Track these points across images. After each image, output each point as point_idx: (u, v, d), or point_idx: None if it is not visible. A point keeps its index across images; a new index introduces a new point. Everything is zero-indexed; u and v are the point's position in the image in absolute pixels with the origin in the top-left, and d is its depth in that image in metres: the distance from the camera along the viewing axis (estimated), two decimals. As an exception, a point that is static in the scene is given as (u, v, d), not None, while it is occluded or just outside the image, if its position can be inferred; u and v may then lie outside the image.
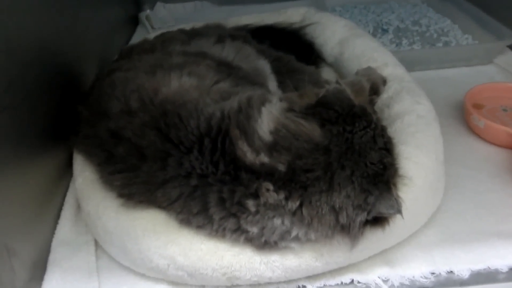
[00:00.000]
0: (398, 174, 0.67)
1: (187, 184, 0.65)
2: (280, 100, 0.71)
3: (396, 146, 0.71)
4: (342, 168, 0.61)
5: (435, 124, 0.82)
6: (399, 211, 0.62)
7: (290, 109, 0.67)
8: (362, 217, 0.61)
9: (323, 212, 0.60)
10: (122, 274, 0.72)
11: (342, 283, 0.69)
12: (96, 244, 0.77)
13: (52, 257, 0.74)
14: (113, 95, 0.76)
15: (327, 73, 1.11)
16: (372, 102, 0.91)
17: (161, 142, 0.67)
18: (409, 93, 0.88)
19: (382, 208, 0.62)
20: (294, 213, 0.61)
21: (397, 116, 0.83)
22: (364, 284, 0.69)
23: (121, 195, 0.70)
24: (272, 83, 0.93)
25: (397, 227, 0.66)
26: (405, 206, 0.64)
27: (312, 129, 0.63)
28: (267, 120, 0.65)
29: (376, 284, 0.69)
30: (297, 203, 0.61)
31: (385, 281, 0.69)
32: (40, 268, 0.72)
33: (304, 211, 0.61)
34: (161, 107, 0.70)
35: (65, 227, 0.79)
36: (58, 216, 0.81)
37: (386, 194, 0.62)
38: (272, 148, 0.62)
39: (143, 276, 0.70)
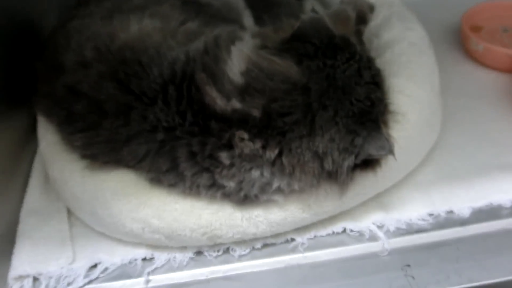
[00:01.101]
0: (388, 110, 0.60)
1: (153, 139, 0.58)
2: (253, 37, 0.63)
3: (387, 79, 0.64)
4: (324, 109, 0.54)
5: (429, 51, 0.74)
6: (391, 152, 0.56)
7: (263, 46, 0.59)
8: (349, 161, 0.55)
9: (306, 159, 0.54)
10: (98, 240, 0.66)
11: (333, 232, 0.64)
12: (69, 210, 0.71)
13: (21, 228, 0.68)
14: (68, 46, 0.68)
15: (309, 5, 1.01)
16: (359, 33, 0.82)
17: (121, 95, 0.60)
18: (400, 19, 0.79)
19: (371, 150, 0.55)
20: (273, 163, 0.55)
21: (387, 45, 0.75)
22: (358, 232, 0.64)
23: (84, 156, 0.63)
24: (248, 19, 0.84)
25: (390, 168, 0.61)
26: (399, 145, 0.58)
27: (287, 67, 0.55)
28: (238, 60, 0.57)
29: (370, 231, 0.63)
30: (276, 151, 0.54)
31: (380, 227, 0.64)
32: (8, 241, 0.66)
33: (284, 160, 0.54)
34: (119, 55, 0.62)
35: (34, 195, 0.73)
36: (26, 184, 0.75)
37: (375, 133, 0.55)
38: (244, 91, 0.55)
39: (120, 241, 0.65)
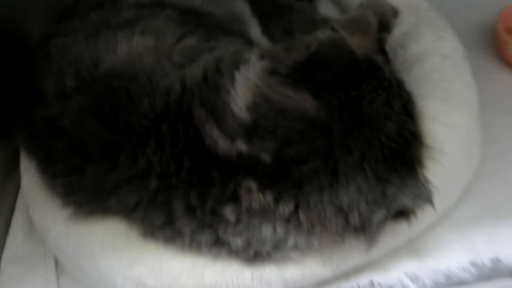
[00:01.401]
0: (423, 144, 0.50)
1: (145, 187, 0.49)
2: (261, 57, 0.54)
3: (417, 103, 0.54)
4: (349, 152, 0.45)
5: (464, 65, 0.64)
6: (429, 201, 0.46)
7: (273, 71, 0.50)
8: (380, 215, 0.45)
9: (327, 215, 0.45)
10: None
11: (359, 285, 0.55)
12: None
13: (1, 280, 0.61)
14: (48, 71, 0.59)
15: (324, 7, 0.91)
16: (381, 42, 0.72)
17: (107, 133, 0.51)
18: (429, 26, 0.69)
19: (406, 200, 0.46)
20: (288, 219, 0.46)
21: (415, 59, 0.65)
22: (387, 285, 0.54)
23: (66, 204, 0.54)
24: (255, 29, 0.74)
25: (424, 210, 0.51)
26: (433, 186, 0.48)
27: (303, 101, 0.46)
28: (243, 90, 0.48)
29: (402, 283, 0.54)
30: (291, 206, 0.45)
31: (414, 279, 0.54)
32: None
33: (302, 215, 0.45)
34: (104, 84, 0.53)
35: (17, 239, 0.65)
36: (8, 224, 0.67)
37: (410, 180, 0.46)
38: (252, 131, 0.46)
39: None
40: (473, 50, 0.84)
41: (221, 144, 0.46)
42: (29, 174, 0.62)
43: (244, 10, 0.74)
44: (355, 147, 0.45)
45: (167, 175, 0.48)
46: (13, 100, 0.65)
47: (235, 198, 0.46)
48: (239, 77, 0.49)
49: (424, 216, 0.53)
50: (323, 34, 0.49)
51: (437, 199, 0.49)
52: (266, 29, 0.76)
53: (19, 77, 0.67)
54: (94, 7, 0.70)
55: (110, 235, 0.53)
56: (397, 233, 0.52)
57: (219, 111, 0.47)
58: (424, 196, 0.46)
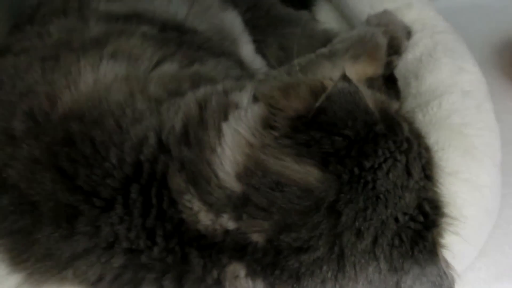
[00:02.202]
0: (447, 219, 0.42)
1: (108, 262, 0.40)
2: (254, 97, 0.45)
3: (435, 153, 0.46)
4: (358, 236, 0.37)
5: (487, 104, 0.56)
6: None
7: (269, 125, 0.41)
8: None
9: None
10: None
11: None
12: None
13: None
14: None
15: (325, 15, 0.81)
16: (391, 66, 0.64)
17: (63, 192, 0.41)
18: (447, 53, 0.60)
19: None
20: None
21: (432, 95, 0.57)
22: None
23: (14, 270, 0.45)
24: (246, 47, 0.65)
25: None
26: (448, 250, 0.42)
27: (306, 174, 0.37)
28: (233, 150, 0.39)
29: None
30: None
31: None
32: None
33: None
34: (61, 129, 0.43)
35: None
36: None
37: (430, 268, 0.38)
38: (242, 205, 0.37)
39: None
40: (487, 67, 0.77)
41: (203, 218, 0.38)
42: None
43: (235, 25, 0.65)
44: (366, 230, 0.37)
45: (136, 250, 0.39)
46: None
47: (218, 285, 0.38)
48: (227, 130, 0.41)
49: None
50: (333, 87, 0.40)
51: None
52: (259, 45, 0.67)
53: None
54: (56, 14, 0.60)
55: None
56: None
57: (201, 177, 0.38)
58: (446, 285, 0.39)
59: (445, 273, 0.39)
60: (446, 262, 0.40)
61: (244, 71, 0.59)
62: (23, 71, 0.50)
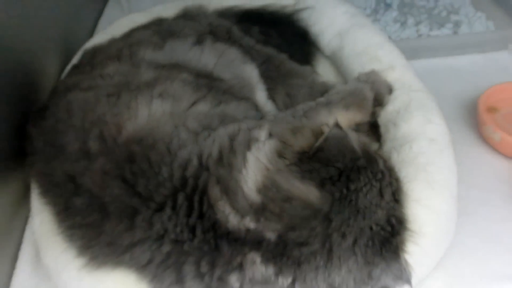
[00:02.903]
0: (408, 230, 0.57)
1: (158, 249, 0.54)
2: (270, 134, 0.60)
3: (405, 184, 0.62)
4: (343, 237, 0.51)
5: (449, 150, 0.71)
6: (408, 282, 0.53)
7: (281, 155, 0.56)
8: None
9: None
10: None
11: None
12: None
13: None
14: (70, 125, 0.63)
15: (323, 68, 0.97)
16: (374, 115, 0.79)
17: (127, 196, 0.56)
18: (419, 107, 0.76)
19: (388, 281, 0.53)
20: None
21: (405, 139, 0.72)
22: None
23: (82, 254, 0.59)
24: (261, 94, 0.80)
25: None
26: (412, 260, 0.56)
27: (308, 192, 0.52)
28: (254, 172, 0.54)
29: None
30: (289, 279, 0.51)
31: None
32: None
33: None
34: (126, 149, 0.58)
35: (23, 273, 0.69)
36: (15, 259, 0.71)
37: (394, 264, 0.53)
38: (260, 212, 0.52)
39: None
40: (455, 121, 0.92)
41: (232, 219, 0.52)
42: (41, 217, 0.67)
43: (252, 75, 0.80)
44: (349, 233, 0.51)
45: (180, 241, 0.53)
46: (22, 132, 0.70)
47: (240, 268, 0.52)
48: (250, 157, 0.55)
49: None
50: (329, 132, 0.55)
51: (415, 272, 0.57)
52: (270, 92, 0.83)
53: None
54: (111, 59, 0.74)
55: (120, 286, 0.58)
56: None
57: (232, 190, 0.53)
58: (404, 278, 0.53)
59: (405, 269, 0.53)
60: (406, 262, 0.54)
61: (258, 113, 0.74)
62: (92, 104, 0.65)
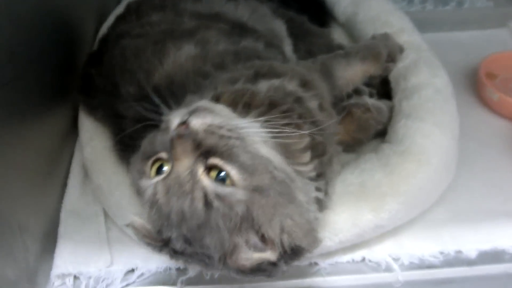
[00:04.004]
0: None
1: None
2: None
3: (414, 122, 0.71)
4: None
5: (452, 100, 0.80)
6: None
7: None
8: None
9: None
10: (134, 246, 0.71)
11: (353, 260, 0.70)
12: (105, 214, 0.76)
13: (62, 229, 0.73)
14: (124, 69, 0.72)
15: (338, 35, 1.06)
16: (387, 70, 0.88)
17: None
18: (427, 64, 0.85)
19: None
20: None
21: (415, 89, 0.80)
22: (375, 262, 0.70)
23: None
24: (288, 47, 0.89)
25: (410, 204, 0.68)
26: (419, 186, 0.66)
27: None
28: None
29: (386, 262, 0.69)
30: None
31: (396, 259, 0.70)
32: (50, 241, 0.71)
33: None
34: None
35: (73, 196, 0.78)
36: (64, 185, 0.79)
37: None
38: None
39: (156, 250, 0.70)
40: (458, 87, 0.99)
41: None
42: (93, 145, 0.76)
43: (282, 30, 0.89)
44: None
45: None
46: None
47: None
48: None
49: (410, 209, 0.69)
50: None
51: (420, 198, 0.67)
52: (295, 48, 0.91)
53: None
54: (156, 9, 0.83)
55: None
56: (383, 217, 0.67)
57: None
58: None
59: None
60: None
61: (286, 59, 0.82)
62: (141, 50, 0.73)
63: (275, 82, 0.62)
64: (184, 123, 0.50)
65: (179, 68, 0.69)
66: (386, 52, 0.85)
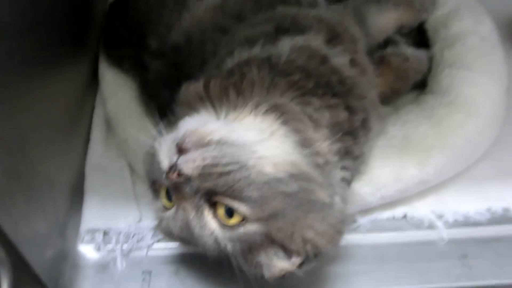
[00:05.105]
0: None
1: None
2: None
3: (459, 71, 0.67)
4: None
5: (499, 47, 0.74)
6: None
7: None
8: None
9: None
10: (161, 201, 0.68)
11: (394, 217, 0.66)
12: (131, 169, 0.72)
13: (88, 183, 0.70)
14: (148, 20, 0.69)
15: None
16: (421, 19, 0.81)
17: None
18: (469, 10, 0.78)
19: None
20: None
21: (457, 37, 0.75)
22: (418, 219, 0.66)
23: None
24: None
25: (455, 157, 0.64)
26: (468, 138, 0.62)
27: None
28: None
29: (429, 219, 0.66)
30: None
31: (440, 216, 0.66)
32: (77, 196, 0.68)
33: None
34: (171, 51, 0.65)
35: (97, 151, 0.74)
36: (87, 139, 0.76)
37: None
38: None
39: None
40: (505, 36, 0.94)
41: None
42: (117, 98, 0.72)
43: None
44: None
45: None
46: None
47: None
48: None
49: (454, 163, 0.65)
50: None
51: (466, 153, 0.63)
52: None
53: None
54: None
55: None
56: (428, 172, 0.63)
57: None
58: None
59: None
60: None
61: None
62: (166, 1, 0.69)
63: (299, 40, 0.57)
64: (175, 169, 0.44)
65: (197, 24, 0.65)
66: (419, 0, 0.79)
